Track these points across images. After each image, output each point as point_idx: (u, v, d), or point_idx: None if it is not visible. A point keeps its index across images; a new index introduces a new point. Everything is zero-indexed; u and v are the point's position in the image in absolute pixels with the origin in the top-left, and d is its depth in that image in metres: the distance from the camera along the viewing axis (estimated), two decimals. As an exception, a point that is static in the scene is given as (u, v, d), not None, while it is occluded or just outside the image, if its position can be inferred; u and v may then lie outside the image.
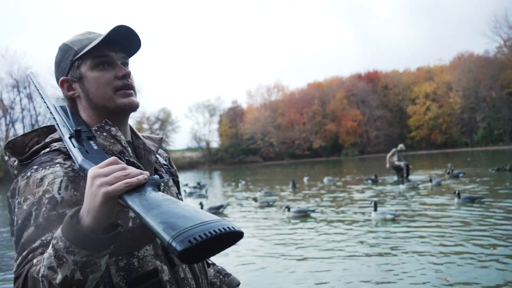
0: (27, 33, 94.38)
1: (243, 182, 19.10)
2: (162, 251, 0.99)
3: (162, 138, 1.25)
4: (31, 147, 1.07)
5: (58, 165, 0.94)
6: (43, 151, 1.01)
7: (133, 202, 0.72)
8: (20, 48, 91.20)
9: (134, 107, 1.06)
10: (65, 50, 1.06)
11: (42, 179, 0.91)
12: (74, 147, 0.90)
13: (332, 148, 62.46)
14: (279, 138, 63.07)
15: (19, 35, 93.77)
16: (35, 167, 0.94)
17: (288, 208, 8.84)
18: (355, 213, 8.77)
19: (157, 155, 1.26)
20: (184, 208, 0.70)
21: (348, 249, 5.76)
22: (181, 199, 1.21)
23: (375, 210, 7.75)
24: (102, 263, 0.77)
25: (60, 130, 0.96)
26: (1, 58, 70.95)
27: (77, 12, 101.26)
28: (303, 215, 8.67)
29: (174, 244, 0.62)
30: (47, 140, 1.04)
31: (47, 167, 0.93)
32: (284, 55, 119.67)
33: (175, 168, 1.36)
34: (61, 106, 1.00)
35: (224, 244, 0.69)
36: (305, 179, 18.88)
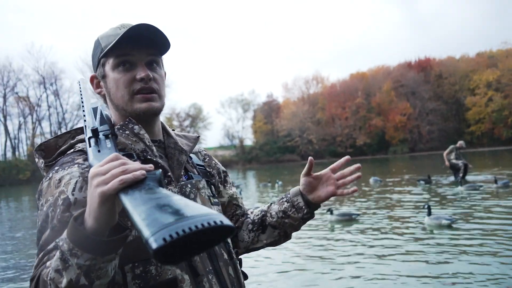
0: (53, 27, 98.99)
1: (280, 183, 19.09)
2: None
3: (198, 136, 1.27)
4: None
5: (76, 165, 0.99)
6: (68, 152, 1.06)
7: (125, 199, 0.71)
8: (46, 42, 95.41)
9: (151, 112, 1.08)
10: (95, 46, 1.12)
11: (60, 180, 0.96)
12: (90, 146, 0.93)
13: (378, 146, 61.34)
14: (318, 135, 62.62)
15: (45, 29, 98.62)
16: (56, 168, 1.00)
17: (331, 211, 8.75)
18: (406, 218, 8.56)
19: (193, 155, 1.30)
20: (176, 202, 0.69)
21: (399, 258, 5.61)
22: (216, 202, 1.21)
23: (429, 214, 7.53)
24: (109, 269, 0.79)
25: (86, 130, 1.00)
26: (27, 53, 74.91)
27: (106, 3, 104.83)
28: (347, 219, 8.58)
29: (150, 241, 0.61)
30: (73, 141, 1.09)
31: (66, 168, 0.98)
32: (324, 43, 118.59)
33: (220, 168, 1.39)
34: (93, 108, 1.04)
35: (210, 242, 0.68)
36: (348, 179, 18.66)
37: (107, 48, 1.05)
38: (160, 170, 0.81)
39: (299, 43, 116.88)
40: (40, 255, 0.88)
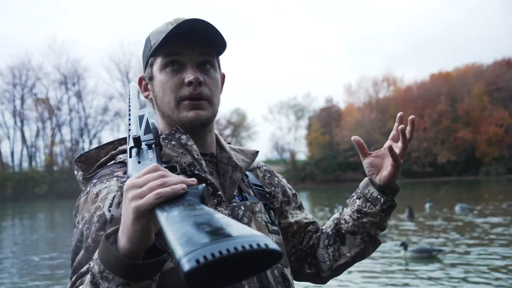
0: (77, 18, 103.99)
1: (340, 207, 18.84)
2: None
3: (257, 152, 1.31)
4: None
5: (115, 178, 1.03)
6: (108, 164, 1.13)
7: (161, 216, 0.74)
8: (69, 36, 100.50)
9: (198, 122, 1.13)
10: (146, 44, 1.18)
11: (97, 194, 1.00)
12: (131, 157, 0.97)
13: (465, 164, 59.52)
14: (389, 149, 61.57)
15: (69, 19, 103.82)
16: (94, 181, 1.05)
17: (405, 245, 8.62)
18: (502, 257, 8.31)
19: (250, 173, 1.33)
20: (216, 220, 0.71)
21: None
22: (275, 230, 1.22)
23: None
24: None
25: (128, 140, 1.04)
26: (48, 49, 79.51)
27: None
28: (426, 256, 8.43)
29: (182, 262, 0.62)
30: (115, 151, 1.16)
31: (104, 181, 1.03)
32: (397, 36, 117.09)
33: (286, 185, 1.41)
34: (139, 116, 1.09)
35: (253, 268, 0.70)
36: (427, 205, 18.38)
37: (155, 46, 1.10)
38: (203, 185, 0.82)
39: (365, 35, 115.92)
40: (73, 279, 0.92)
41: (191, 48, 1.11)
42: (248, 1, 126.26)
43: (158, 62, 1.13)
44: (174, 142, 1.10)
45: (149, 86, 1.19)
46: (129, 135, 1.05)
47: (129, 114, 1.11)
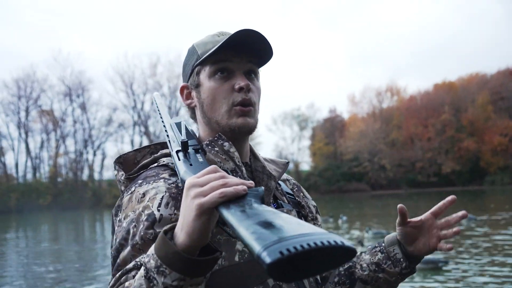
0: (82, 31, 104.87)
1: (344, 218, 19.03)
2: None
3: (288, 162, 1.35)
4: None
5: (162, 180, 1.08)
6: (151, 166, 1.17)
7: (227, 213, 0.79)
8: (74, 48, 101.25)
9: (246, 129, 1.18)
10: (190, 53, 1.25)
11: (144, 194, 1.05)
12: (179, 160, 1.03)
13: (470, 174, 59.27)
14: (393, 159, 61.51)
15: (73, 33, 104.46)
16: (139, 181, 1.10)
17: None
18: (508, 268, 8.26)
19: (281, 182, 1.39)
20: (285, 219, 0.76)
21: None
22: None
23: None
24: None
25: (170, 145, 1.09)
26: (53, 61, 79.93)
27: (143, 3, 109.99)
28: (432, 268, 8.42)
29: (263, 256, 0.66)
30: (157, 154, 1.22)
31: (151, 182, 1.08)
32: (401, 46, 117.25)
33: (310, 202, 1.43)
34: (176, 123, 1.15)
35: (328, 263, 0.73)
36: (432, 216, 18.24)
37: (206, 55, 1.16)
38: (263, 187, 0.87)
39: (368, 45, 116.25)
40: (117, 275, 0.96)
41: (240, 56, 1.16)
42: (252, 11, 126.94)
43: (206, 70, 1.18)
44: (217, 149, 1.15)
45: (192, 93, 1.24)
46: (168, 140, 1.10)
47: (162, 121, 1.15)
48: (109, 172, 64.26)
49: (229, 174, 1.10)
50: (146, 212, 1.01)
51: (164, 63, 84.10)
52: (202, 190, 0.82)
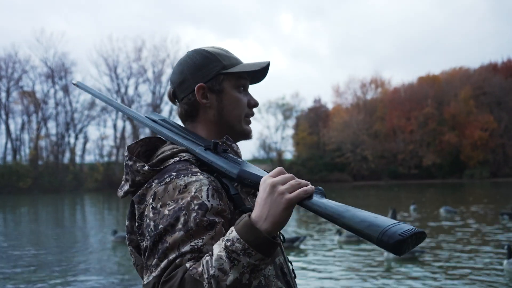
0: (66, 11, 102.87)
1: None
2: (280, 272, 1.28)
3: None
4: (140, 155, 1.35)
5: (199, 173, 1.20)
6: (172, 160, 1.26)
7: (319, 207, 1.05)
8: (57, 30, 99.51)
9: (251, 136, 1.46)
10: (210, 59, 1.38)
11: (186, 185, 1.16)
12: (217, 154, 1.25)
13: (450, 167, 59.93)
14: (376, 151, 61.89)
15: (57, 14, 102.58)
16: (174, 173, 1.19)
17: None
18: (482, 259, 8.46)
19: None
20: (367, 212, 1.01)
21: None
22: None
23: (509, 258, 7.39)
24: (265, 271, 1.20)
25: (181, 142, 1.32)
26: (36, 42, 78.49)
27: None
28: (409, 257, 8.54)
29: (385, 239, 0.93)
30: (176, 149, 1.31)
31: (189, 175, 1.18)
32: (386, 37, 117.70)
33: None
34: (148, 117, 1.42)
35: (417, 242, 0.98)
36: (412, 208, 18.54)
37: (239, 70, 1.37)
38: (320, 187, 1.12)
39: (353, 36, 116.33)
40: (170, 257, 1.07)
41: (251, 78, 1.45)
42: (236, 2, 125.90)
43: (232, 81, 1.38)
44: (229, 149, 1.32)
45: (210, 95, 1.37)
46: (172, 137, 1.34)
47: (142, 121, 1.43)
48: (91, 156, 63.77)
49: None
50: (196, 202, 1.13)
51: (149, 48, 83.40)
52: (287, 188, 1.05)
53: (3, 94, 59.87)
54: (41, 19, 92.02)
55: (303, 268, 8.60)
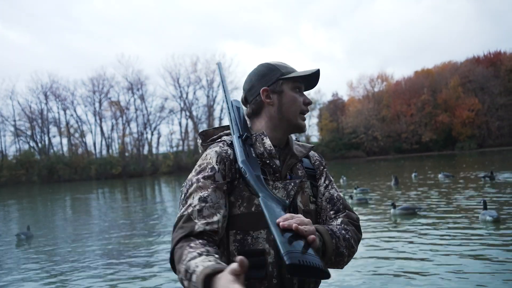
0: (137, 37, 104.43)
1: (344, 178, 18.92)
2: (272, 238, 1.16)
3: (312, 146, 1.47)
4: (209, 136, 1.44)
5: (218, 146, 1.28)
6: (217, 140, 1.36)
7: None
8: (133, 53, 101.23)
9: (305, 130, 1.38)
10: (271, 69, 1.36)
11: (206, 154, 1.26)
12: (240, 146, 1.23)
13: (444, 142, 57.98)
14: (383, 131, 60.58)
15: (130, 39, 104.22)
16: (209, 149, 1.29)
17: (394, 205, 8.65)
18: (466, 212, 8.35)
19: (306, 159, 1.44)
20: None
21: (466, 252, 5.53)
22: (311, 207, 1.33)
23: (484, 209, 7.39)
24: (254, 233, 1.17)
25: (232, 126, 1.30)
26: (118, 63, 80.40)
27: (181, 10, 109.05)
28: (411, 213, 8.45)
29: (286, 257, 0.87)
30: (222, 133, 1.40)
31: (211, 148, 1.29)
32: (389, 40, 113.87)
33: (326, 173, 1.46)
34: (236, 106, 1.37)
35: (316, 275, 0.91)
36: (413, 175, 18.13)
37: (295, 75, 1.33)
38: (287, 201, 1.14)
39: (364, 40, 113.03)
40: (183, 208, 1.14)
41: (305, 82, 1.37)
42: (267, 17, 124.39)
43: (289, 84, 1.34)
44: (258, 143, 1.29)
45: (272, 96, 1.34)
46: (230, 120, 1.32)
47: (226, 97, 1.37)
48: (163, 148, 64.85)
49: (264, 156, 1.27)
50: (209, 166, 1.21)
51: (202, 62, 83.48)
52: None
53: (97, 104, 61.80)
54: (120, 46, 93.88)
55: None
